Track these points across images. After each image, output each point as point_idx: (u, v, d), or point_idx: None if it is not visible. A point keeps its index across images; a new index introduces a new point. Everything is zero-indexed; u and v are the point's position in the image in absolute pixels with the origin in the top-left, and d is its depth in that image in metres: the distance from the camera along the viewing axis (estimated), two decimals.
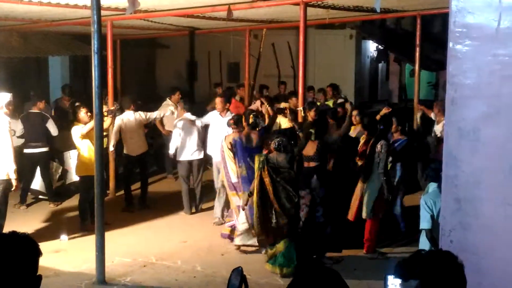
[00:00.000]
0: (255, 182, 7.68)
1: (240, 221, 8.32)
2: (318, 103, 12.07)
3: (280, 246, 7.58)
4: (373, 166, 8.03)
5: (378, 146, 8.02)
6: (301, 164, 8.09)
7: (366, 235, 8.19)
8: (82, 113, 9.23)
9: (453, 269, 2.52)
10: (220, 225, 9.35)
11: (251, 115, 8.77)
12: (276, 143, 7.67)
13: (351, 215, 8.21)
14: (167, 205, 10.71)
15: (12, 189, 8.49)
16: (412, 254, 2.65)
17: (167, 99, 12.35)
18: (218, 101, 10.26)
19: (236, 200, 8.58)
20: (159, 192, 11.75)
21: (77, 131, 9.18)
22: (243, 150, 8.50)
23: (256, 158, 7.77)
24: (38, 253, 2.55)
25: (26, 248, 2.50)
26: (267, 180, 7.56)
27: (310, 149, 8.12)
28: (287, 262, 7.52)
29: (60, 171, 11.44)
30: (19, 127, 10.53)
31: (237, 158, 8.50)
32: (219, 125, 9.91)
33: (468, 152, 3.66)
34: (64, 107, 12.56)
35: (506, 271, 3.51)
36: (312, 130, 8.19)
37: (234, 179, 8.62)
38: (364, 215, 8.08)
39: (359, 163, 8.35)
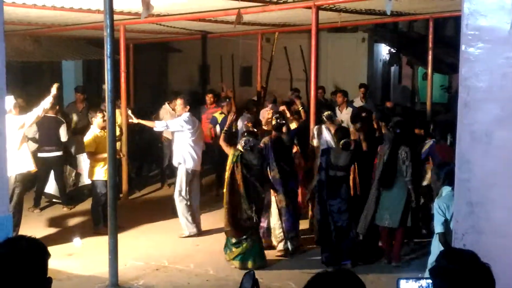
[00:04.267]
0: (226, 175, 8.04)
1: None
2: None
3: (247, 245, 7.90)
4: (395, 173, 7.90)
5: (403, 153, 7.85)
6: (327, 172, 8.09)
7: (396, 244, 8.08)
8: (99, 118, 9.33)
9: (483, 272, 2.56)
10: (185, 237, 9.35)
11: (274, 117, 8.81)
12: (244, 143, 7.89)
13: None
14: None
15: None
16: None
17: (166, 103, 12.38)
18: (178, 103, 9.69)
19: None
20: (170, 196, 11.74)
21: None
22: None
23: (230, 153, 8.05)
24: (46, 255, 2.56)
25: (34, 250, 2.52)
26: (238, 176, 7.86)
27: (339, 158, 8.09)
28: (254, 257, 7.91)
29: (73, 175, 11.51)
30: (32, 130, 10.58)
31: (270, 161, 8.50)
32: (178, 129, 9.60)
33: (481, 155, 3.64)
34: (70, 112, 12.64)
35: None
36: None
37: None
38: (389, 223, 7.93)
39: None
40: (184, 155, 9.40)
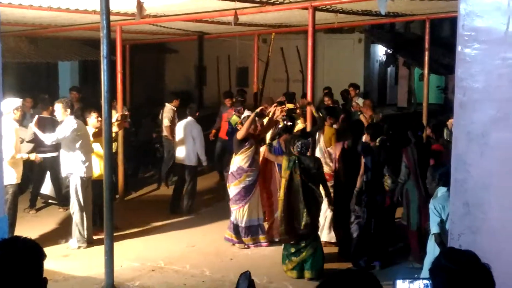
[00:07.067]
0: (283, 182, 7.67)
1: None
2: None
3: (306, 253, 7.58)
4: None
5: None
6: (375, 171, 8.08)
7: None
8: (93, 118, 9.26)
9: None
10: None
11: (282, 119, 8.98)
12: (299, 146, 7.63)
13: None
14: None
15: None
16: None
17: (166, 103, 12.31)
18: (57, 107, 8.90)
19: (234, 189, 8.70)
20: (167, 196, 11.74)
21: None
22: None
23: (285, 159, 7.71)
24: (41, 256, 2.56)
25: (29, 251, 2.52)
26: (297, 181, 7.54)
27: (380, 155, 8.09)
28: (312, 267, 7.55)
29: None
30: (29, 132, 10.53)
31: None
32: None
33: (477, 156, 3.65)
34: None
35: None
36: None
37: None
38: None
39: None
40: (75, 163, 8.77)
